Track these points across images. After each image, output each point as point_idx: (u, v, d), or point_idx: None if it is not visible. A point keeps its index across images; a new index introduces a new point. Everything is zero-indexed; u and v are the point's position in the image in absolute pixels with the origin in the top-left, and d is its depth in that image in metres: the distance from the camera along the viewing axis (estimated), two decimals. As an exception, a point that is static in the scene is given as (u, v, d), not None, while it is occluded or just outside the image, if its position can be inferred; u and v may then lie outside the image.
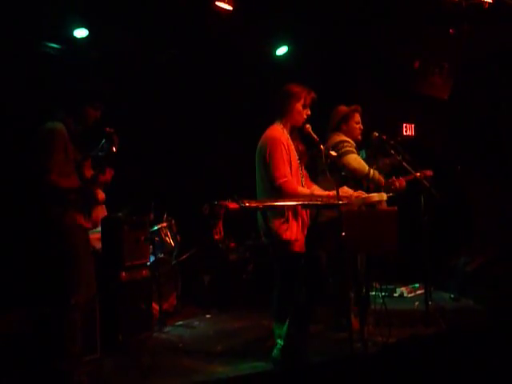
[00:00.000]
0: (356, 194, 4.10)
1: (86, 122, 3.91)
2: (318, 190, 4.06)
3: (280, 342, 3.96)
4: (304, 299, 3.87)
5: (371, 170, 4.71)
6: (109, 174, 3.90)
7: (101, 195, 3.99)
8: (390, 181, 4.91)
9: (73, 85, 3.97)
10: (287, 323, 3.92)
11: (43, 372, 3.69)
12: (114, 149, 3.81)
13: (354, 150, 4.78)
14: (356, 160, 4.68)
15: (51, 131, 3.76)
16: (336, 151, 4.20)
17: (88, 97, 3.89)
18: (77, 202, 3.77)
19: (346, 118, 4.92)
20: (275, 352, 3.97)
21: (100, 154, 3.95)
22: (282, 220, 3.86)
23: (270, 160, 3.90)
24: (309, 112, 4.07)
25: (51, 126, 3.79)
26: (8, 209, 5.07)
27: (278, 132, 4.02)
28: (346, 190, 3.97)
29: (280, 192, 3.87)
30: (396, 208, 3.91)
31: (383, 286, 4.41)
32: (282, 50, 6.95)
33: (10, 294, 4.51)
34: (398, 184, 4.91)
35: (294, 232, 3.89)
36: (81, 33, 5.76)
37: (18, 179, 4.88)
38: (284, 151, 3.94)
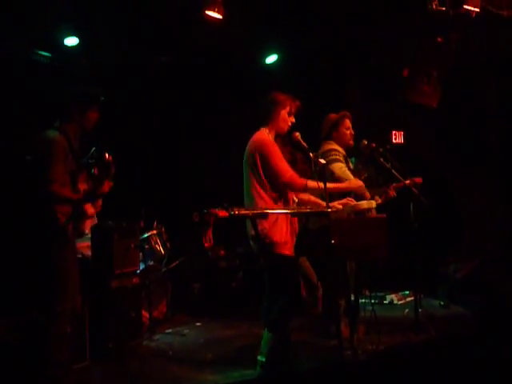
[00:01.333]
0: (344, 201, 4.14)
1: (87, 125, 3.92)
2: (330, 184, 4.09)
3: (261, 358, 3.96)
4: (284, 305, 3.87)
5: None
6: (107, 186, 3.89)
7: (90, 210, 4.00)
8: (383, 190, 4.94)
9: (69, 89, 3.97)
10: (265, 339, 3.93)
11: (32, 379, 3.67)
12: (108, 179, 3.84)
13: (341, 159, 4.80)
14: (341, 169, 4.69)
15: (52, 141, 3.76)
16: (324, 159, 4.23)
17: (87, 99, 3.90)
18: (67, 213, 3.77)
19: (336, 125, 4.94)
20: (257, 369, 3.96)
21: (90, 161, 3.96)
22: (272, 222, 3.87)
23: (270, 159, 3.93)
24: (293, 120, 4.13)
25: (52, 136, 3.79)
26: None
27: (266, 135, 4.07)
28: (356, 181, 4.07)
29: (289, 187, 3.96)
30: (385, 215, 3.94)
31: (373, 294, 4.43)
32: (271, 59, 6.98)
33: (3, 302, 4.50)
34: (392, 194, 4.95)
35: (283, 235, 3.91)
36: (71, 41, 5.76)
37: (8, 188, 4.88)
38: (278, 150, 3.99)
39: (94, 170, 3.92)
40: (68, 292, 3.75)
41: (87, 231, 4.47)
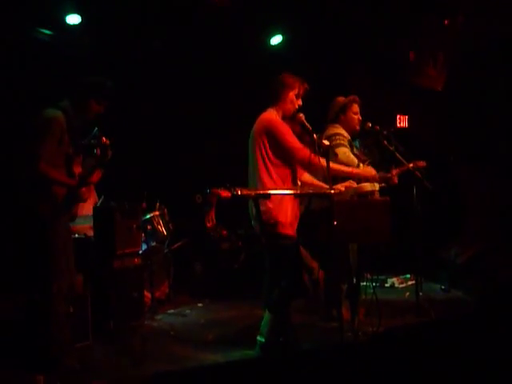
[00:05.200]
0: (347, 183, 4.12)
1: (88, 115, 3.89)
2: (337, 165, 4.10)
3: (260, 338, 3.99)
4: (285, 286, 3.88)
5: (361, 165, 4.69)
6: (96, 177, 3.89)
7: (87, 194, 3.99)
8: (387, 175, 4.93)
9: (78, 77, 3.94)
10: (266, 319, 3.95)
11: (33, 358, 3.70)
12: (106, 159, 3.82)
13: (346, 144, 4.77)
14: (345, 154, 4.66)
15: (50, 119, 3.73)
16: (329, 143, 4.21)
17: (94, 90, 3.87)
18: (59, 195, 3.76)
19: (344, 109, 4.91)
20: (256, 349, 4.01)
21: (92, 141, 3.94)
22: (277, 203, 3.87)
23: (282, 138, 3.94)
24: (300, 102, 4.11)
25: (51, 114, 3.76)
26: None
27: (274, 115, 4.06)
28: (369, 170, 4.04)
29: (303, 163, 3.96)
30: (388, 198, 3.93)
31: (374, 277, 4.43)
32: (276, 40, 6.92)
33: (4, 282, 4.51)
34: (395, 180, 4.93)
35: (288, 215, 3.91)
36: (73, 19, 5.71)
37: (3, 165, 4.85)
38: (288, 129, 4.00)
39: (97, 151, 3.90)
40: (61, 271, 3.75)
41: (79, 214, 4.44)
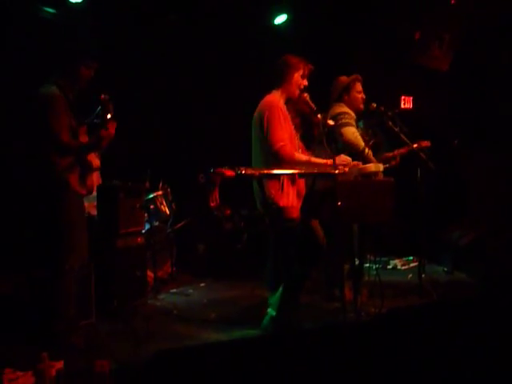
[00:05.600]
0: (353, 163, 4.10)
1: (80, 81, 3.89)
2: (315, 158, 4.04)
3: (271, 311, 4.01)
4: (298, 268, 3.89)
5: (366, 149, 4.65)
6: (112, 128, 3.81)
7: (95, 162, 3.99)
8: (390, 156, 4.91)
9: (64, 44, 3.94)
10: (280, 293, 3.96)
11: (40, 333, 3.73)
12: (109, 115, 3.78)
13: (353, 123, 4.75)
14: (353, 134, 4.64)
15: (51, 96, 3.75)
16: (335, 122, 4.18)
17: (80, 55, 3.86)
18: (72, 167, 3.76)
19: (348, 89, 4.88)
20: (266, 321, 4.04)
21: (96, 121, 3.93)
22: (278, 187, 3.87)
23: (268, 125, 3.89)
24: (306, 83, 4.08)
25: (49, 91, 3.77)
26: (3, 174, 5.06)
27: (276, 99, 4.03)
28: (344, 158, 3.96)
29: (277, 157, 3.86)
30: (393, 179, 3.91)
31: (377, 258, 4.43)
32: (280, 19, 6.85)
33: (11, 258, 4.54)
34: (397, 161, 4.89)
35: (290, 199, 3.91)
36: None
37: (14, 144, 4.86)
38: (282, 117, 3.94)
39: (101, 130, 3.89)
40: (75, 249, 3.79)
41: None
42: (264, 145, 3.93)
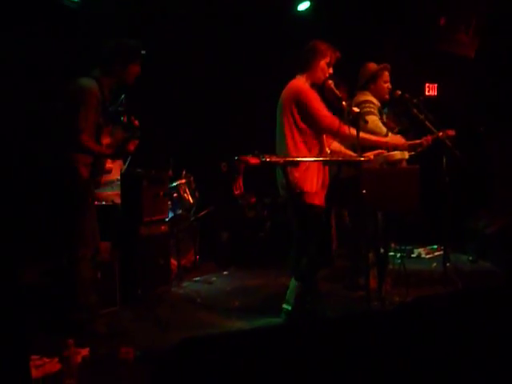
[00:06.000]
0: (378, 151, 4.06)
1: (128, 78, 3.89)
2: (365, 134, 4.01)
3: (286, 306, 4.00)
4: (313, 255, 3.88)
5: (389, 135, 4.60)
6: (132, 146, 3.86)
7: (108, 165, 4.02)
8: (417, 142, 4.85)
9: (119, 43, 3.91)
10: (292, 287, 3.95)
11: (60, 323, 3.77)
12: (134, 138, 3.82)
13: (376, 112, 4.69)
14: (374, 122, 4.58)
15: (88, 89, 3.73)
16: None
17: (133, 54, 3.87)
18: (87, 164, 3.81)
19: (375, 77, 4.82)
20: (282, 317, 4.02)
21: (120, 108, 3.94)
22: (302, 171, 3.85)
23: (310, 105, 3.89)
24: (331, 71, 4.06)
25: (88, 84, 3.75)
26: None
27: (303, 83, 4.01)
28: (398, 138, 3.98)
29: (330, 131, 3.93)
30: (418, 167, 3.86)
31: (401, 247, 4.39)
32: (304, 6, 6.79)
33: (37, 247, 4.58)
34: (425, 143, 4.81)
35: (314, 185, 3.89)
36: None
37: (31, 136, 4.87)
38: (317, 96, 3.95)
39: (124, 118, 3.90)
40: (85, 238, 3.80)
41: (107, 179, 4.51)
42: (295, 128, 3.91)
